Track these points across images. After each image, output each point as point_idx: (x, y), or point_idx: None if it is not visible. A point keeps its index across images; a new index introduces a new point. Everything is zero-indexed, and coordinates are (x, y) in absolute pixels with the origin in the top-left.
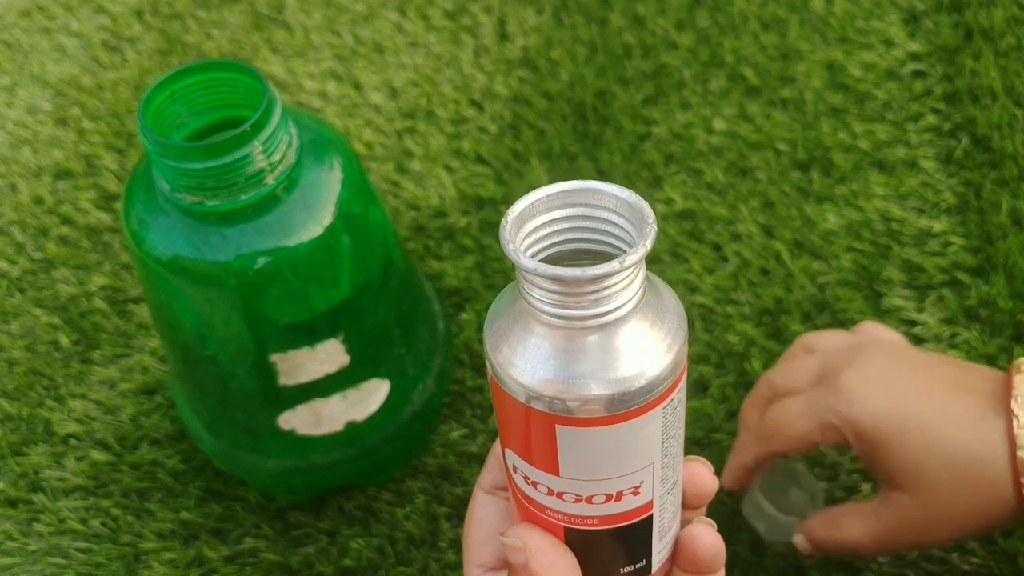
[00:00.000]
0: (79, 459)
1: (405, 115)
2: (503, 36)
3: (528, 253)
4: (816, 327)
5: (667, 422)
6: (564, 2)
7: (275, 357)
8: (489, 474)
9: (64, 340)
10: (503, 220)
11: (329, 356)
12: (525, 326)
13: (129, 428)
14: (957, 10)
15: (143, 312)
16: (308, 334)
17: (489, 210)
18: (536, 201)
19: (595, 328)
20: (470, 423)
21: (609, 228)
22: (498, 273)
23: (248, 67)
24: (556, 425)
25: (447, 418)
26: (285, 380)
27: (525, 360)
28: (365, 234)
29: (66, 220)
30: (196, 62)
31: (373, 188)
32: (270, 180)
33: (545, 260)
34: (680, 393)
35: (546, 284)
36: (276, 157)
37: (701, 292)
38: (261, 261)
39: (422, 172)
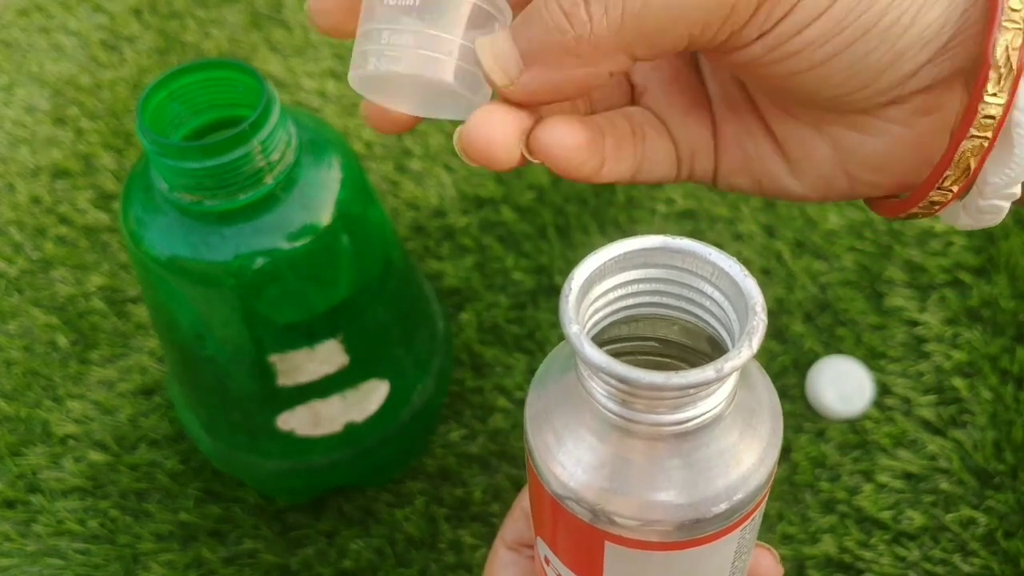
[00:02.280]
0: (77, 460)
1: None
2: None
3: (592, 320)
4: (817, 327)
5: (743, 541)
6: None
7: (274, 357)
8: (513, 526)
9: (62, 340)
10: (565, 287)
11: (328, 356)
12: (578, 416)
13: (127, 429)
14: None
15: (141, 312)
16: (307, 334)
17: (489, 210)
18: (609, 261)
19: (670, 436)
20: (470, 424)
21: (700, 299)
22: (498, 273)
23: (247, 66)
24: (606, 542)
25: (446, 419)
26: (284, 381)
27: (575, 460)
28: (364, 234)
29: (64, 220)
30: (194, 61)
31: (372, 188)
32: (269, 180)
33: (611, 323)
34: (763, 506)
35: (614, 382)
36: (275, 156)
37: None
38: (260, 261)
39: (421, 171)
